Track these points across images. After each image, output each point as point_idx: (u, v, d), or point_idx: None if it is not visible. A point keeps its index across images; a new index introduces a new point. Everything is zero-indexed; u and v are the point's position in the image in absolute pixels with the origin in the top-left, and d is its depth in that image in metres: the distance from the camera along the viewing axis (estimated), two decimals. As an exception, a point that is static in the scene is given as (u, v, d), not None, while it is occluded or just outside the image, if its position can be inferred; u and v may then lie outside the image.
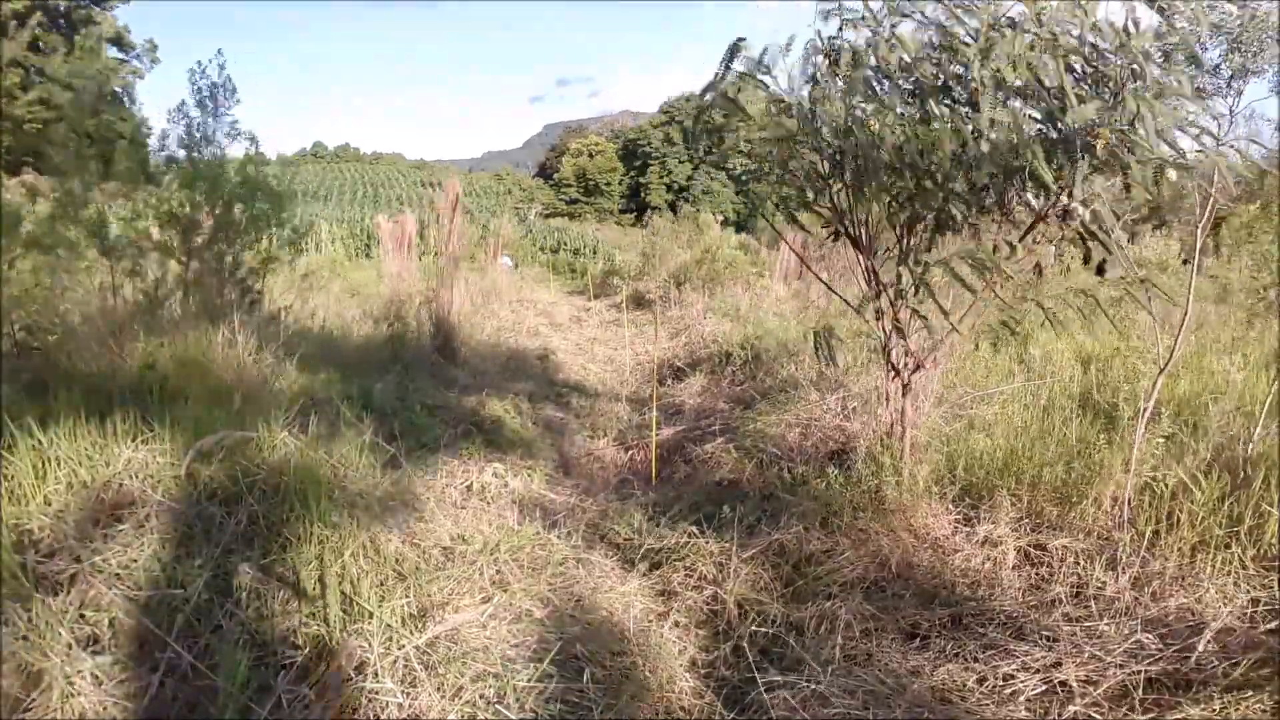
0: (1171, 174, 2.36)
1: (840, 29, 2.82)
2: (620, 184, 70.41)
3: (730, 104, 2.95)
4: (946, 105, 2.67)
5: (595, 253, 27.37)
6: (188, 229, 3.99)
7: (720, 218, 15.96)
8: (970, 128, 2.52)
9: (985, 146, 2.41)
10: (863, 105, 2.73)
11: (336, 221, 23.79)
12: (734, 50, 2.85)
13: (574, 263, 24.25)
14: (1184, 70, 2.45)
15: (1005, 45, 2.40)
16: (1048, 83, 2.45)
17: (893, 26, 2.72)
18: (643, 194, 67.03)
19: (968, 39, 2.56)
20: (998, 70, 2.39)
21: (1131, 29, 2.40)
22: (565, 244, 29.92)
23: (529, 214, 45.77)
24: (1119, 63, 2.42)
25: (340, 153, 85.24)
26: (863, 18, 2.74)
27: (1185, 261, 6.79)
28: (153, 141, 4.38)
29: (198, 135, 4.19)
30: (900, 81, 2.70)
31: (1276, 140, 3.80)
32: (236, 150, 4.38)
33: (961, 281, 2.75)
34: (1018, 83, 2.43)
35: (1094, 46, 2.47)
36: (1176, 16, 2.46)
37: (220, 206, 4.16)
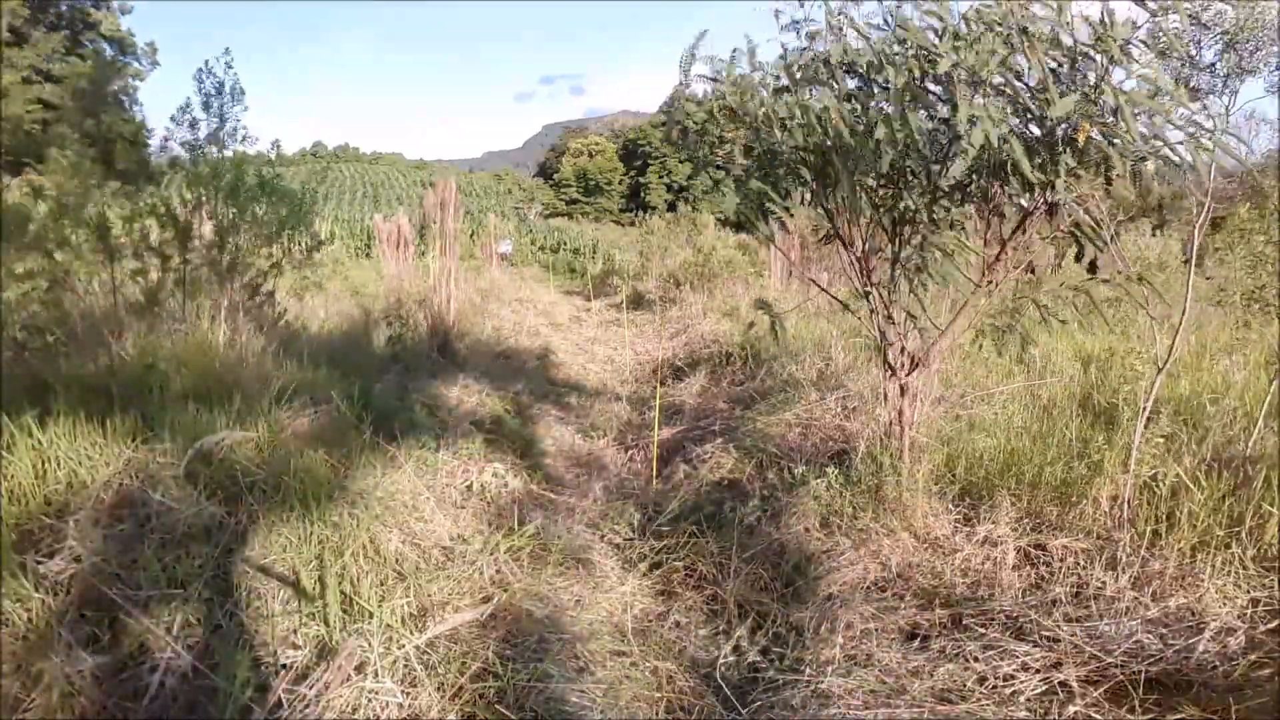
0: (1150, 166, 2.36)
1: (809, 38, 2.83)
2: (620, 184, 70.40)
3: (694, 109, 2.99)
4: (922, 105, 2.66)
5: (595, 252, 27.38)
6: (186, 230, 3.98)
7: (720, 217, 15.97)
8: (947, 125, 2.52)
9: (966, 144, 2.40)
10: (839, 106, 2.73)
11: (337, 221, 23.82)
12: (692, 56, 2.87)
13: (574, 262, 24.28)
14: (1169, 64, 2.45)
15: (983, 43, 2.38)
16: (1026, 79, 2.45)
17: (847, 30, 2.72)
18: (643, 194, 67.04)
19: (935, 40, 2.55)
20: (973, 68, 2.37)
21: (1107, 22, 2.39)
22: (565, 244, 29.95)
23: (529, 214, 45.80)
24: (1096, 56, 2.41)
25: (340, 153, 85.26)
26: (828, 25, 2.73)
27: (1186, 261, 6.79)
28: (154, 142, 4.38)
29: (203, 137, 4.17)
30: (878, 82, 2.68)
31: (1276, 140, 3.80)
32: (243, 150, 4.37)
33: (929, 274, 2.76)
34: (996, 79, 2.43)
35: (1068, 42, 2.46)
36: (1172, 15, 2.45)
37: (232, 207, 4.16)
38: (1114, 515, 2.78)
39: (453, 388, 5.53)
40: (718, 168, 3.19)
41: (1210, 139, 2.34)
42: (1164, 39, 2.41)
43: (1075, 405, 3.74)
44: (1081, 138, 2.36)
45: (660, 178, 67.14)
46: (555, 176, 73.52)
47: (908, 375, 3.23)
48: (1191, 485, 2.67)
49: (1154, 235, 8.35)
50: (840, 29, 2.70)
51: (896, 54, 2.57)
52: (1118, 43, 2.32)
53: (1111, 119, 2.33)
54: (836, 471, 3.31)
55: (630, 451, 4.88)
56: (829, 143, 2.69)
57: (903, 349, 3.23)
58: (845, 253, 3.28)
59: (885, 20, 2.71)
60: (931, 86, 2.59)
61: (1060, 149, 2.45)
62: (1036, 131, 2.55)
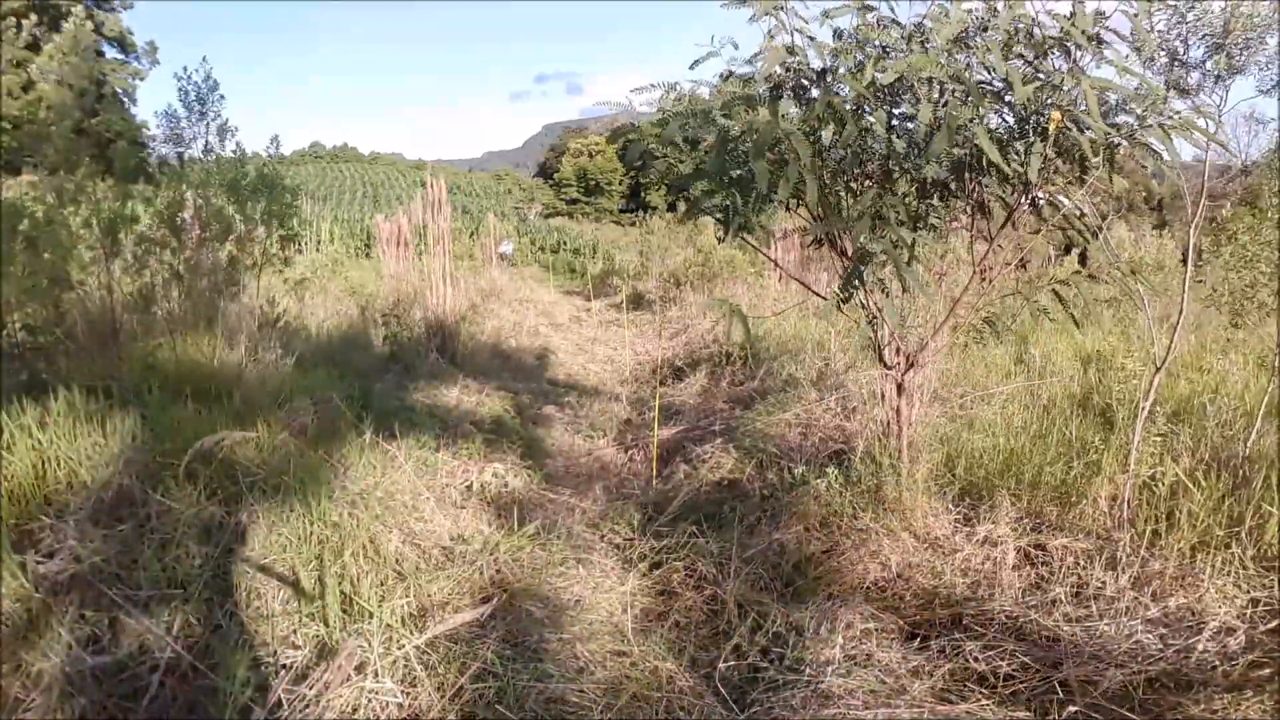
0: (1124, 151, 2.37)
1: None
2: (620, 184, 70.36)
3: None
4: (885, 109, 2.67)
5: (595, 252, 27.40)
6: (177, 226, 3.99)
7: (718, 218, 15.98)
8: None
9: (935, 143, 2.39)
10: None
11: (336, 221, 23.84)
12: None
13: (573, 262, 24.29)
14: (1158, 65, 2.46)
15: (943, 32, 2.39)
16: (989, 72, 2.46)
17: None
18: (643, 194, 66.98)
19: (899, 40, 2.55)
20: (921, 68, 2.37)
21: (1075, 13, 2.41)
22: (565, 244, 29.96)
23: (529, 214, 45.83)
24: (1068, 46, 2.42)
25: (339, 153, 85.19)
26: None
27: (1183, 261, 6.79)
28: (155, 143, 4.40)
29: (188, 137, 4.22)
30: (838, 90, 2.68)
31: (1276, 138, 3.80)
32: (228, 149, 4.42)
33: (902, 277, 2.77)
34: (978, 76, 2.44)
35: (1035, 33, 2.47)
36: (1158, 13, 2.47)
37: (231, 204, 4.18)
38: (1114, 515, 2.78)
39: (453, 388, 5.53)
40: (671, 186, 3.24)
41: (1177, 128, 2.36)
42: (1140, 37, 2.41)
43: (1075, 405, 3.74)
44: (1053, 127, 2.37)
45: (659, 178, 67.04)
46: (555, 176, 73.47)
47: (903, 374, 3.23)
48: (1191, 485, 2.67)
49: (1153, 234, 8.37)
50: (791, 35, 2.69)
51: (853, 57, 2.59)
52: (1084, 33, 2.34)
53: (1082, 107, 2.34)
54: (836, 471, 3.31)
55: (630, 451, 4.88)
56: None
57: (898, 349, 3.23)
58: (831, 253, 3.27)
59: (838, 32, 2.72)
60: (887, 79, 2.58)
61: (1032, 139, 2.46)
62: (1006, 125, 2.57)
